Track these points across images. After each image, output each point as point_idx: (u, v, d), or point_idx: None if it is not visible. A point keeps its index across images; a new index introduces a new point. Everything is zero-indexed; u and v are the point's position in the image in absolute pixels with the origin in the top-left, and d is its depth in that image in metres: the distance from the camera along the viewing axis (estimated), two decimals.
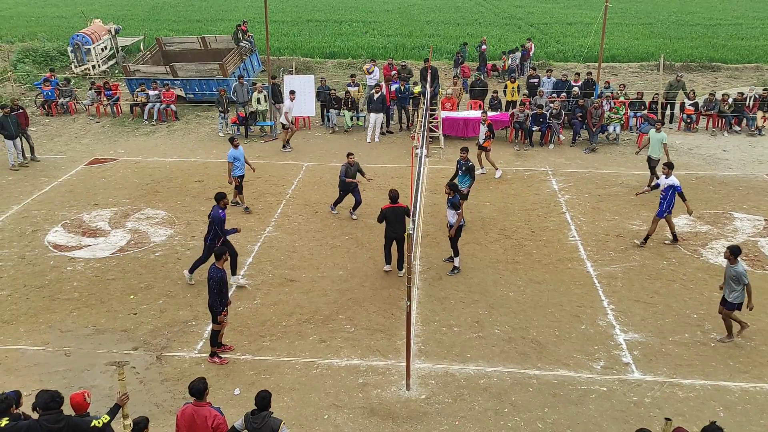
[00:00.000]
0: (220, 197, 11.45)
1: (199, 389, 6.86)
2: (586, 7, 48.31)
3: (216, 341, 9.83)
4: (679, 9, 48.49)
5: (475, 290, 11.74)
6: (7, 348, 10.02)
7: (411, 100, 20.98)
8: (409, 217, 11.24)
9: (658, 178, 15.57)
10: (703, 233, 13.92)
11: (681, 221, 14.43)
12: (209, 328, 10.55)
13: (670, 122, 21.36)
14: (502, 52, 27.93)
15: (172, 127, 21.53)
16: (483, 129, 16.72)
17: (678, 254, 12.99)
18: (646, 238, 13.29)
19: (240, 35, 25.62)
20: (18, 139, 17.52)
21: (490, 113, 20.64)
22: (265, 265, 12.61)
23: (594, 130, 19.19)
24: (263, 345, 10.18)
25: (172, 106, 22.30)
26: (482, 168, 17.09)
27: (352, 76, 22.97)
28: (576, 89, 21.04)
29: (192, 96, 23.78)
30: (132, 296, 11.53)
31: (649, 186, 15.15)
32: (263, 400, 6.84)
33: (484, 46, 27.81)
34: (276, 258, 12.89)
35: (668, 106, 21.45)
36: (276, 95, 20.73)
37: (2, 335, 10.34)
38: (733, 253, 9.78)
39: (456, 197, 11.92)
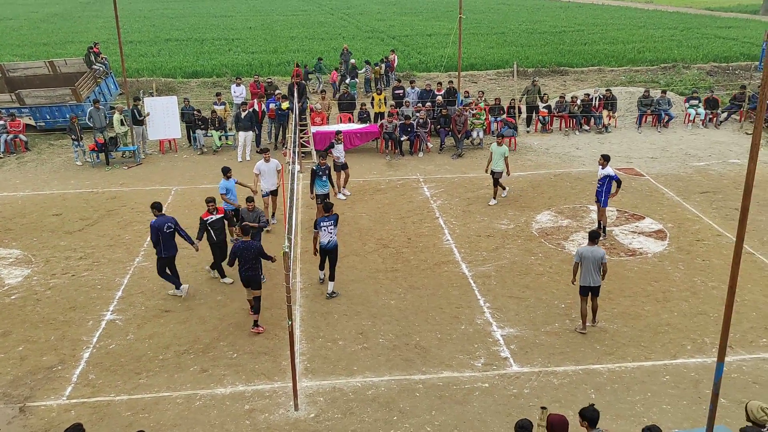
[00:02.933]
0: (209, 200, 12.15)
1: None
2: (444, 19, 50.37)
3: (259, 309, 10.97)
4: (527, 18, 51.76)
5: (357, 302, 11.80)
6: None
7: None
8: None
9: (504, 189, 16.31)
10: (564, 227, 14.85)
11: (544, 217, 15.33)
12: (78, 371, 9.87)
13: (528, 125, 22.67)
14: (365, 61, 28.39)
15: (23, 158, 19.99)
16: (340, 147, 16.57)
17: (543, 249, 13.76)
18: (604, 229, 14.08)
19: (92, 57, 24.29)
20: None
21: (360, 125, 20.97)
22: (136, 298, 11.97)
23: (459, 136, 19.97)
24: (140, 382, 9.63)
25: (21, 136, 20.71)
26: (343, 192, 16.84)
27: (218, 94, 22.46)
28: (440, 98, 21.81)
29: (43, 124, 22.22)
30: None
31: (495, 198, 16.06)
32: None
33: (353, 60, 28.06)
34: (148, 289, 12.27)
35: (527, 109, 22.76)
36: (134, 117, 19.82)
37: None
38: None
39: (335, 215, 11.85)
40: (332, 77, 26.92)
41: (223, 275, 12.58)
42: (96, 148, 19.36)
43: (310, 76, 27.63)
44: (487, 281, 12.48)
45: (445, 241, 14.22)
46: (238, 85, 23.39)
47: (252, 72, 29.33)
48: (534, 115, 22.68)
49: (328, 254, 11.88)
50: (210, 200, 12.16)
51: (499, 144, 15.74)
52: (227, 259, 11.39)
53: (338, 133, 17.05)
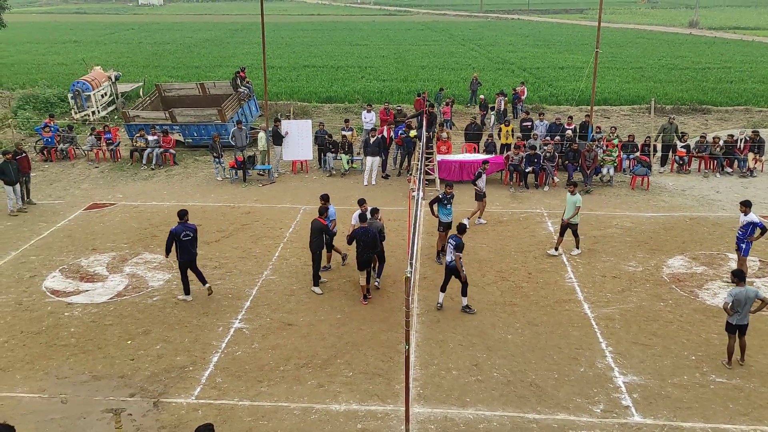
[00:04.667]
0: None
1: None
2: (578, 52, 49.34)
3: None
4: (668, 54, 49.54)
5: (473, 333, 11.74)
6: (3, 395, 9.95)
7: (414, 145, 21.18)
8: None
9: (577, 248, 15.00)
10: (699, 274, 13.99)
11: (677, 262, 14.53)
12: (206, 373, 10.53)
13: (663, 165, 21.66)
14: (497, 93, 28.25)
15: (171, 171, 21.74)
16: (484, 177, 16.63)
17: (674, 295, 13.04)
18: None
19: (238, 81, 26.07)
20: (18, 185, 17.64)
21: (485, 156, 20.93)
22: (262, 309, 12.61)
23: (588, 172, 19.44)
24: (261, 390, 10.12)
25: (171, 151, 22.55)
26: (479, 220, 16.96)
27: (347, 120, 23.31)
28: (569, 132, 21.37)
29: (190, 141, 24.06)
30: (129, 341, 11.49)
31: (556, 249, 14.99)
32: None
33: (482, 96, 27.89)
34: (274, 302, 12.90)
35: (662, 148, 21.76)
36: (276, 137, 21.04)
37: None
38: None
39: (460, 240, 12.13)
40: (445, 113, 26.71)
41: (316, 284, 13.40)
42: (235, 166, 20.70)
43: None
44: (611, 324, 12.00)
45: (568, 278, 13.84)
46: (369, 111, 24.20)
47: (382, 99, 30.22)
48: (670, 154, 21.64)
49: (452, 273, 12.32)
50: (324, 209, 13.32)
51: (572, 193, 14.72)
52: (347, 240, 13.03)
53: (485, 162, 17.24)
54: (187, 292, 13.00)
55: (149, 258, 14.91)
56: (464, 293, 12.39)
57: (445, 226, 14.56)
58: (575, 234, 14.96)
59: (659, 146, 21.76)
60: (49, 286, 13.55)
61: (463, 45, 56.73)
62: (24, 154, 18.56)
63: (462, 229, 12.39)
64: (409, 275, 8.73)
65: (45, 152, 22.94)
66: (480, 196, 16.64)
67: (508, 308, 12.61)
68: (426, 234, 16.06)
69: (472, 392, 10.05)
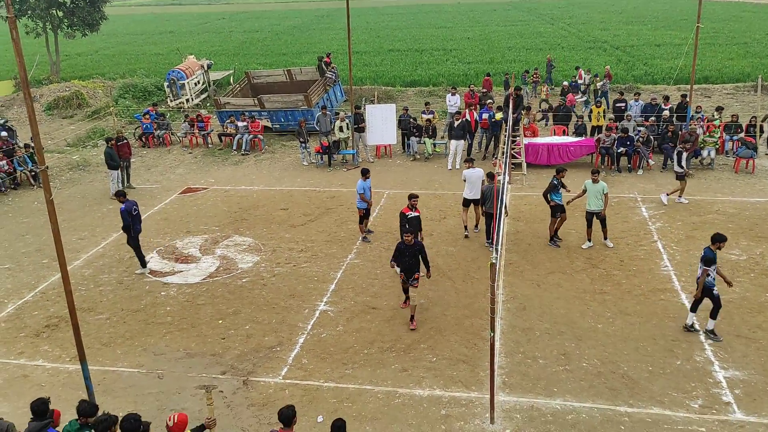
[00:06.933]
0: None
1: (288, 416, 6.98)
2: (675, 28, 46.80)
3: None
4: None
5: (561, 321, 11.38)
6: (105, 369, 10.52)
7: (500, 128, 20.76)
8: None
9: (606, 238, 14.14)
10: None
11: None
12: (293, 354, 10.75)
13: None
14: (571, 81, 27.08)
15: (259, 156, 22.28)
16: (685, 156, 16.31)
17: None
18: None
19: (324, 67, 26.32)
20: (119, 170, 18.57)
21: (575, 138, 20.20)
22: (347, 292, 12.73)
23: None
24: (346, 372, 10.22)
25: (260, 136, 23.10)
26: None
27: (427, 104, 23.08)
28: (666, 112, 20.28)
29: (278, 126, 24.56)
30: (221, 321, 11.88)
31: (589, 240, 14.09)
32: (339, 429, 6.86)
33: (565, 83, 26.80)
34: (358, 285, 12.99)
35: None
36: (358, 123, 21.13)
37: (101, 357, 10.87)
38: None
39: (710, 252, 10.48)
40: (570, 101, 25.58)
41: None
42: (321, 151, 20.96)
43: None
44: None
45: (663, 267, 13.18)
46: (453, 94, 23.86)
47: (467, 82, 29.75)
48: None
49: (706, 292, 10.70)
50: (413, 196, 12.91)
51: (595, 181, 13.78)
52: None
53: (686, 141, 17.18)
54: (143, 264, 13.94)
55: (239, 240, 15.36)
56: (713, 315, 10.61)
57: (560, 210, 14.20)
58: (604, 224, 14.02)
59: (766, 127, 20.32)
60: (147, 267, 14.20)
61: (551, 24, 55.01)
62: (125, 141, 19.50)
63: (717, 238, 10.50)
64: (494, 261, 8.55)
65: (143, 138, 24.05)
66: (681, 176, 16.23)
67: (599, 296, 12.15)
68: (511, 219, 15.71)
69: (560, 382, 9.76)
